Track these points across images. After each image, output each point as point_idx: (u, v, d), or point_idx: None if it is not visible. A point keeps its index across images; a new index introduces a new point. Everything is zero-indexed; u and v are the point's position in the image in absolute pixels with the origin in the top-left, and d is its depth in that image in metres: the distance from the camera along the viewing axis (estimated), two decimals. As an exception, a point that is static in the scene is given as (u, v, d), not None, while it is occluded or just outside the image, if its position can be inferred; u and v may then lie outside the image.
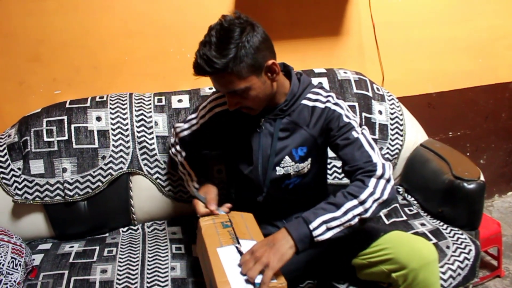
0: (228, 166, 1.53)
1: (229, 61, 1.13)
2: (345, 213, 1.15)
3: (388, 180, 1.20)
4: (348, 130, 1.27)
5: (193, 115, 1.49)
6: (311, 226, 1.13)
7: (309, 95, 1.34)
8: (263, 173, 1.36)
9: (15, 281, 1.32)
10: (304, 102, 1.33)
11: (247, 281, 1.07)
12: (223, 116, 1.40)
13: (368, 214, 1.16)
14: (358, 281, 1.36)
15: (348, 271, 1.36)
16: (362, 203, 1.16)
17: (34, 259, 1.50)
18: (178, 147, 1.53)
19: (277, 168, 1.35)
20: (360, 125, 1.30)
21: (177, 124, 1.56)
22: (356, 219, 1.15)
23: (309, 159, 1.36)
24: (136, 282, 1.39)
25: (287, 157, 1.34)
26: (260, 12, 1.90)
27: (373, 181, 1.18)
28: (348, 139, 1.25)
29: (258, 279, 1.07)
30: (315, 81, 1.83)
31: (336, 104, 1.31)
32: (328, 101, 1.31)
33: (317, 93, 1.34)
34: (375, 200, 1.16)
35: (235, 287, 1.05)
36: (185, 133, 1.50)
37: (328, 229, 1.14)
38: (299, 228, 1.13)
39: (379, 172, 1.19)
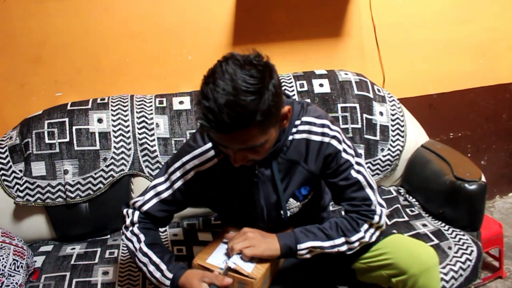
0: (220, 212, 1.40)
1: (258, 114, 0.93)
2: (332, 247, 1.20)
3: (379, 227, 1.24)
4: (347, 168, 1.19)
5: (160, 180, 1.23)
6: (299, 247, 1.18)
7: (300, 127, 1.17)
8: (269, 220, 1.27)
9: (16, 283, 1.32)
10: (297, 136, 1.17)
11: (224, 261, 1.14)
12: (205, 175, 1.20)
13: (349, 252, 1.22)
14: (358, 283, 1.35)
15: (348, 275, 1.35)
16: (349, 243, 1.21)
17: (35, 261, 1.50)
18: (135, 228, 1.21)
19: (282, 212, 1.27)
20: (356, 155, 1.22)
21: (133, 200, 1.25)
22: (336, 251, 1.21)
23: (312, 193, 1.30)
24: (137, 284, 1.39)
25: (291, 200, 1.25)
26: (261, 13, 1.91)
27: (365, 226, 1.21)
28: (348, 180, 1.20)
29: (232, 262, 1.11)
30: (315, 83, 1.84)
31: (334, 137, 1.17)
32: (324, 133, 1.16)
33: (309, 123, 1.17)
34: (361, 242, 1.22)
35: (211, 260, 1.15)
36: (152, 203, 1.22)
37: (311, 252, 1.20)
38: (289, 242, 1.18)
39: (375, 220, 1.21)
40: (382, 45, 2.12)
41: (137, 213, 1.23)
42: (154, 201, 1.22)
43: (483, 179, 1.60)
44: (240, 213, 1.28)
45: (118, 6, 1.76)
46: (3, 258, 1.33)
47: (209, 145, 1.18)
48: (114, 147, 1.65)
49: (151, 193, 1.23)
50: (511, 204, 2.67)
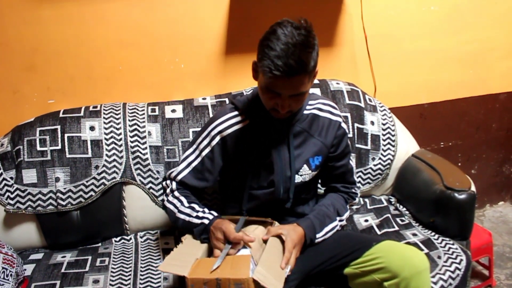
0: (236, 186, 1.45)
1: (311, 64, 1.16)
2: (333, 229, 1.41)
3: (353, 206, 1.59)
4: (347, 153, 1.47)
5: (189, 152, 1.43)
6: (317, 236, 1.35)
7: (320, 106, 1.41)
8: (284, 180, 1.38)
9: (6, 292, 1.32)
10: (315, 112, 1.40)
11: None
12: (228, 140, 1.37)
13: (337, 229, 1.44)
14: (350, 290, 1.36)
15: (340, 280, 1.36)
16: (341, 221, 1.45)
17: (25, 269, 1.49)
18: (176, 193, 1.41)
19: (296, 176, 1.39)
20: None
21: (170, 171, 1.46)
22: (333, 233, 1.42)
23: (320, 168, 1.44)
24: (128, 293, 1.39)
25: (305, 166, 1.39)
26: (253, 22, 1.92)
27: (348, 206, 1.50)
28: (347, 166, 1.49)
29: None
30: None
31: (345, 123, 1.45)
32: (339, 115, 1.44)
33: (328, 105, 1.43)
34: (346, 220, 1.48)
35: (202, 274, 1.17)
36: (185, 172, 1.41)
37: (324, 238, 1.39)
38: (311, 235, 1.33)
39: (356, 201, 1.53)
40: (373, 55, 2.15)
41: (174, 183, 1.43)
42: (187, 170, 1.41)
43: (473, 188, 1.61)
44: (256, 177, 1.39)
45: (111, 14, 1.77)
46: (-8, 267, 1.33)
47: (232, 113, 1.39)
48: (106, 155, 1.65)
49: (184, 164, 1.42)
50: (501, 213, 2.69)
